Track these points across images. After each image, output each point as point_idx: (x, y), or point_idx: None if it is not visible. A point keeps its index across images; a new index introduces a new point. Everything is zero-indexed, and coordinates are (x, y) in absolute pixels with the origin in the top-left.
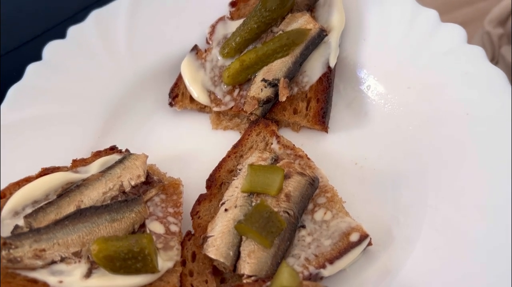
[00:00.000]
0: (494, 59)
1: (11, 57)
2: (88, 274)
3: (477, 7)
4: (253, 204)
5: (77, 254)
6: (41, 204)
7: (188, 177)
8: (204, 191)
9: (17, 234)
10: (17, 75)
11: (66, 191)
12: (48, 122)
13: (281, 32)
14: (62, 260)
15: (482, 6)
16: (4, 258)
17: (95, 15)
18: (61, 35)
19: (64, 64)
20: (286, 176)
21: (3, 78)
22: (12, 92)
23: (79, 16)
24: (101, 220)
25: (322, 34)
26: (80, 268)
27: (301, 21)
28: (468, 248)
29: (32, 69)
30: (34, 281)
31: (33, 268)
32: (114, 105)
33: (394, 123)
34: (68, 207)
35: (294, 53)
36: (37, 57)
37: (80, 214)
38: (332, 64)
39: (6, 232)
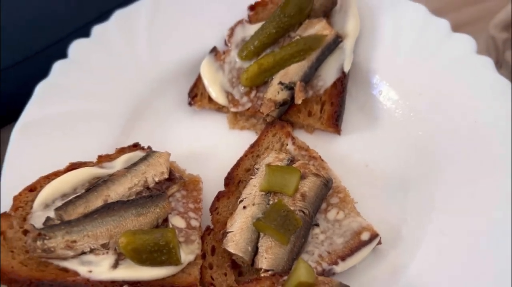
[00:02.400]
0: (498, 63)
1: (39, 57)
2: (115, 265)
3: (484, 6)
4: (270, 202)
5: (105, 246)
6: (70, 198)
7: (207, 174)
8: (222, 188)
9: (50, 225)
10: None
11: (94, 185)
12: (74, 118)
13: (298, 37)
14: (91, 251)
15: (489, 5)
16: (39, 248)
17: (118, 15)
18: (87, 35)
19: (88, 62)
20: (302, 177)
21: (32, 79)
22: (39, 89)
23: (104, 16)
24: (128, 214)
25: (337, 40)
26: (108, 259)
27: (317, 27)
28: (473, 251)
29: (58, 66)
30: (65, 270)
31: (65, 258)
32: (136, 104)
33: (405, 128)
34: (96, 201)
35: (310, 58)
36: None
37: (108, 208)
38: (346, 69)
39: (38, 223)
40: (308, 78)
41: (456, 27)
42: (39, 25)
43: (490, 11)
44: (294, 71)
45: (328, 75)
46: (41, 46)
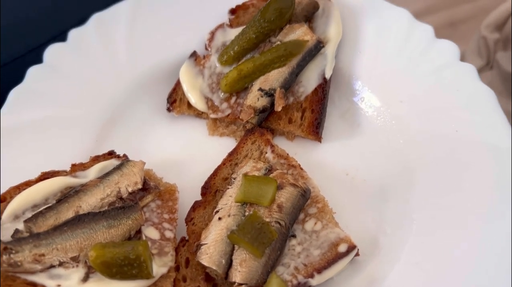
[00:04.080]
0: (489, 64)
1: (17, 64)
2: (85, 278)
3: (478, 5)
4: (246, 213)
5: (75, 259)
6: (41, 209)
7: (184, 182)
8: (199, 197)
9: (17, 239)
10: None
11: (65, 196)
12: (48, 125)
13: (278, 42)
14: (61, 264)
15: (482, 3)
16: (5, 263)
17: (96, 18)
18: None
19: (64, 67)
20: (279, 187)
21: (9, 85)
22: (13, 95)
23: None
24: (99, 226)
25: (319, 46)
26: (78, 272)
27: (298, 32)
28: (450, 264)
29: (33, 72)
30: (33, 284)
31: (33, 272)
32: (113, 109)
33: (385, 136)
34: (67, 213)
35: (291, 64)
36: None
37: (79, 220)
38: (327, 75)
39: (6, 235)
40: (289, 85)
41: (451, 24)
42: (17, 31)
43: (484, 9)
44: (274, 77)
45: (309, 81)
46: (19, 52)
